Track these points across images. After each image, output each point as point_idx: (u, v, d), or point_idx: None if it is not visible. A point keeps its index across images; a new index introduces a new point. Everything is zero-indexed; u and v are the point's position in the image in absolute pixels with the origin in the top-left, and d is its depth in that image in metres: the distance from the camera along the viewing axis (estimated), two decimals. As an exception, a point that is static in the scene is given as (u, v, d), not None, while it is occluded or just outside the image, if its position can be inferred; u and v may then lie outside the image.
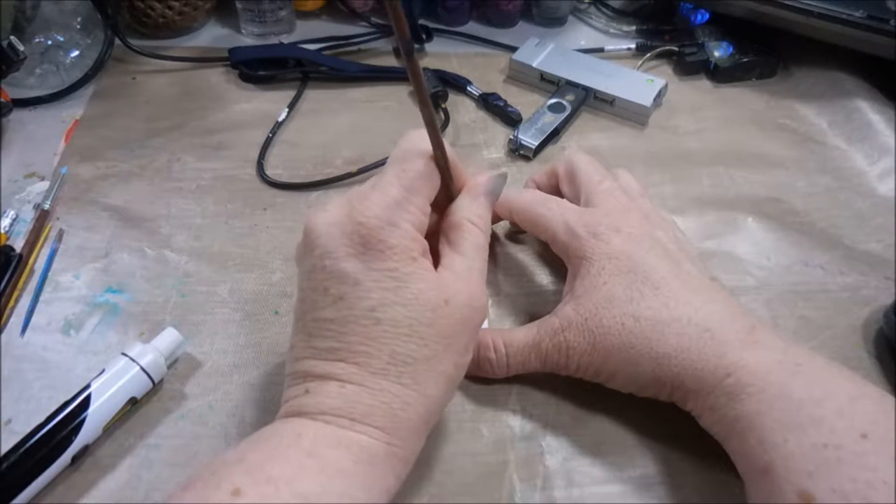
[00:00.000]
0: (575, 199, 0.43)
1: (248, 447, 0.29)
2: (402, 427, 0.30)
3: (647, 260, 0.38)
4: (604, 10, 0.73)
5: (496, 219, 0.48)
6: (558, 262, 0.44)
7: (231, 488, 0.26)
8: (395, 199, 0.31)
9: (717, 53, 0.66)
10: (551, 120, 0.58)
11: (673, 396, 0.36)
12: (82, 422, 0.36)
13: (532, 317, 0.45)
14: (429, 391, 0.31)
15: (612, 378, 0.38)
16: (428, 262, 0.32)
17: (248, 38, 0.69)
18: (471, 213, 0.34)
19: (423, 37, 0.67)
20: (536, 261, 0.49)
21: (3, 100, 0.56)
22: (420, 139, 0.32)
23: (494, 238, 0.50)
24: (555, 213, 0.41)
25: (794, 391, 0.32)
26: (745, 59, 0.65)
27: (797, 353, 0.34)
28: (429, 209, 0.33)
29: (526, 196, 0.44)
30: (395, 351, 0.30)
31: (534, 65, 0.63)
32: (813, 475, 0.29)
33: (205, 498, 0.27)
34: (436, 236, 0.35)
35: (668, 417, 0.38)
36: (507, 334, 0.40)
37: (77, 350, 0.42)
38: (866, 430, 0.30)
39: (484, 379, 0.41)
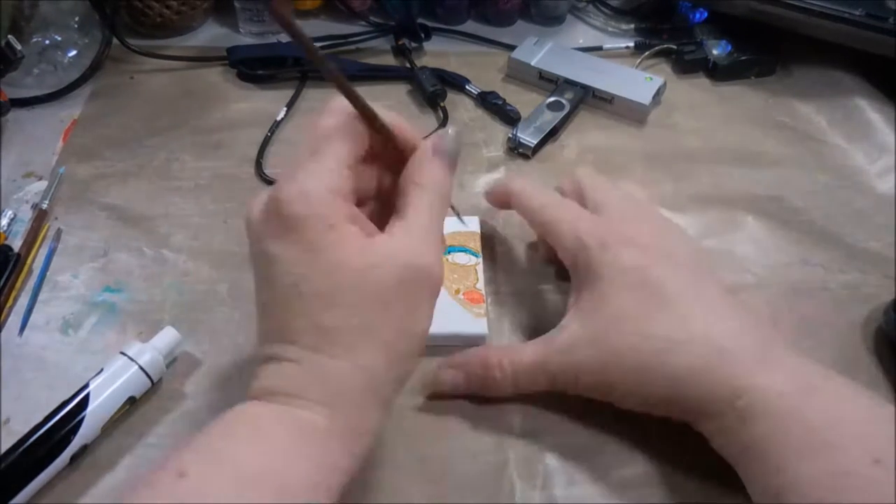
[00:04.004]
0: None
1: (199, 432, 0.29)
2: (343, 400, 0.29)
3: (657, 273, 0.36)
4: (602, 8, 0.73)
5: (506, 205, 0.46)
6: (558, 261, 0.44)
7: (176, 470, 0.27)
8: (302, 166, 0.30)
9: (715, 52, 0.66)
10: (550, 118, 0.58)
11: (685, 417, 0.36)
12: (81, 421, 0.36)
13: (532, 315, 0.45)
14: (365, 361, 0.29)
15: (623, 399, 0.37)
16: (353, 228, 0.30)
17: (246, 37, 0.69)
18: (415, 176, 0.32)
19: (422, 35, 0.67)
20: (536, 261, 0.49)
21: (0, 99, 0.56)
22: (333, 102, 0.31)
23: (494, 238, 0.50)
24: (566, 219, 0.41)
25: (807, 415, 0.31)
26: (744, 58, 0.65)
27: (812, 372, 0.33)
28: (346, 171, 0.30)
29: (542, 197, 0.43)
30: (322, 323, 0.29)
31: (532, 63, 0.63)
32: (825, 502, 0.29)
33: (153, 481, 0.27)
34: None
35: (668, 417, 0.38)
36: (512, 354, 0.39)
37: (75, 349, 0.42)
38: (879, 456, 0.29)
39: (483, 378, 0.41)
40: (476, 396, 0.40)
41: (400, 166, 0.33)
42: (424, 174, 0.32)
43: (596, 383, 0.37)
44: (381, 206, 0.35)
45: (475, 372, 0.39)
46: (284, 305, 0.30)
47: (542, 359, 0.37)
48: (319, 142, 0.30)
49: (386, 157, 0.34)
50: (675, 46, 0.67)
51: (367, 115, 0.31)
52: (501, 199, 0.46)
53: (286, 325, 0.30)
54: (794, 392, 0.32)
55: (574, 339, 0.37)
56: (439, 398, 0.40)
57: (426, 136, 0.34)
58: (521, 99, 0.62)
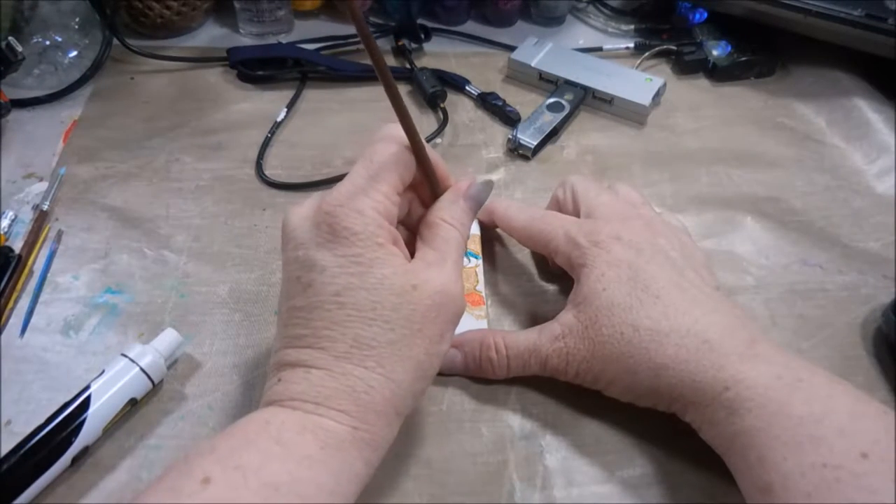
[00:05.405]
0: (577, 216, 0.43)
1: (220, 437, 0.30)
2: (367, 410, 0.30)
3: (648, 269, 0.37)
4: (602, 9, 0.73)
5: (491, 223, 0.48)
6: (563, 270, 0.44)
7: (201, 476, 0.27)
8: (360, 187, 0.32)
9: (715, 52, 0.66)
10: (550, 119, 0.58)
11: (672, 407, 0.36)
12: (82, 423, 0.36)
13: (532, 316, 0.45)
14: (395, 375, 0.31)
15: (611, 386, 0.38)
16: (396, 250, 0.32)
17: (246, 37, 0.69)
18: (446, 214, 0.35)
19: (422, 36, 0.67)
20: (536, 261, 0.49)
21: (1, 100, 0.56)
22: (391, 129, 0.33)
23: (495, 239, 0.50)
24: (554, 226, 0.42)
25: (794, 408, 0.31)
26: (744, 58, 0.65)
27: (799, 367, 0.34)
28: (396, 197, 0.33)
29: (526, 213, 0.44)
30: (359, 335, 0.30)
31: (532, 64, 0.63)
32: (812, 496, 0.29)
33: (176, 486, 0.27)
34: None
35: (667, 416, 0.38)
36: (509, 336, 0.40)
37: (76, 351, 0.42)
38: (866, 450, 0.29)
39: (484, 378, 0.41)
40: (476, 396, 0.40)
41: (425, 198, 0.36)
42: (455, 214, 0.35)
43: (585, 370, 0.38)
44: (405, 232, 0.37)
45: (473, 352, 0.40)
46: (322, 313, 0.31)
47: (536, 343, 0.39)
48: (377, 167, 0.32)
49: (417, 187, 0.36)
50: (674, 47, 0.67)
51: (417, 148, 0.33)
52: (486, 220, 0.48)
53: (319, 332, 0.31)
54: (781, 385, 0.33)
55: (567, 328, 0.38)
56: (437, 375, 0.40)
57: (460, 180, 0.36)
58: (520, 100, 0.62)
